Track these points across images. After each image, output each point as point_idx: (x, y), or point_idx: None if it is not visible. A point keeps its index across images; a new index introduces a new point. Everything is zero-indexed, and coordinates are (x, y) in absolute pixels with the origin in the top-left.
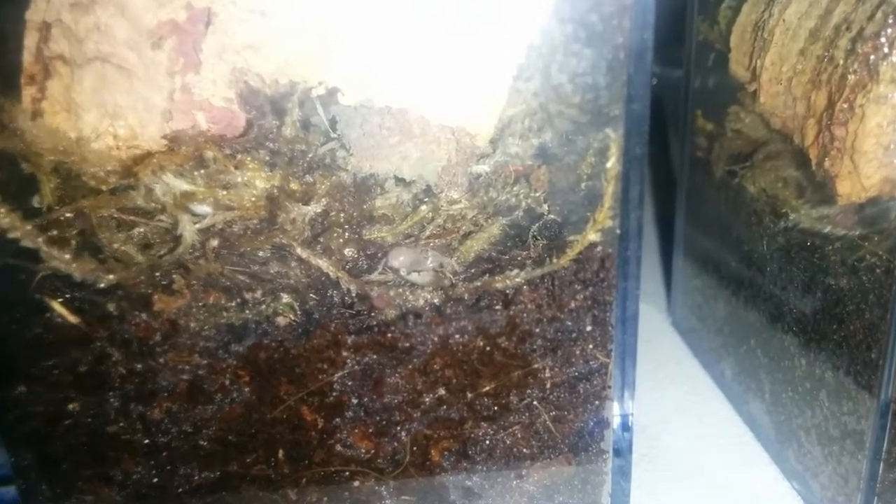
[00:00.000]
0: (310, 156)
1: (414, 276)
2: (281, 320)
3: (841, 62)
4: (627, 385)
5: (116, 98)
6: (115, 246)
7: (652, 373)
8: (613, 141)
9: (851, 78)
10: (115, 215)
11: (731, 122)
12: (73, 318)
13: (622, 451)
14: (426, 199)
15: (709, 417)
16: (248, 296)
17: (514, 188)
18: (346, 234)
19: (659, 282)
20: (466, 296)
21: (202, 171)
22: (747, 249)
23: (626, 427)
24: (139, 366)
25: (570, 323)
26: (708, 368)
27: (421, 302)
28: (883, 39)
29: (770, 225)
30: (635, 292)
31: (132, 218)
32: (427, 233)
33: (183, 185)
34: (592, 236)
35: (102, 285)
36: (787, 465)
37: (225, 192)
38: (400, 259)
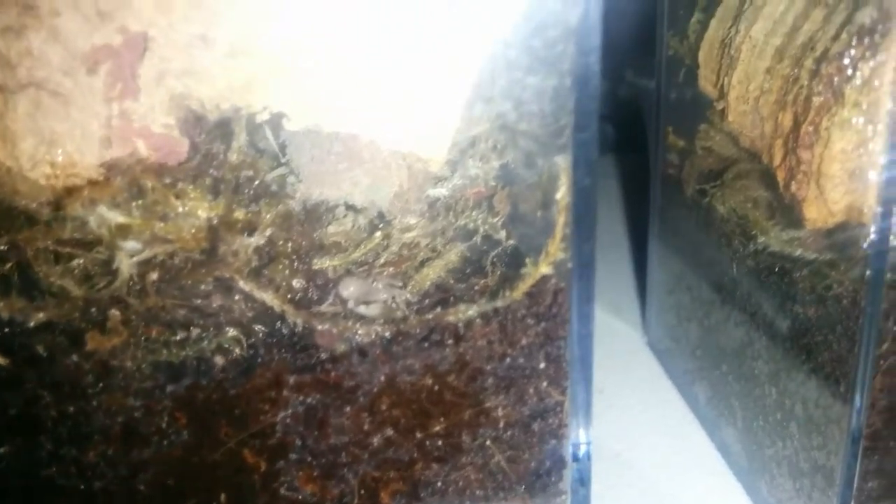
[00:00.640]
0: (256, 182)
1: (362, 309)
2: (219, 360)
3: (806, 83)
4: (585, 412)
5: (53, 125)
6: (52, 279)
7: (626, 395)
8: (563, 170)
9: (816, 100)
10: (52, 248)
11: (700, 139)
12: (0, 360)
13: (584, 481)
14: (380, 226)
15: (682, 443)
16: (189, 332)
17: (473, 213)
18: (295, 264)
19: (634, 300)
20: (417, 329)
21: (139, 202)
22: (718, 271)
23: (587, 455)
24: (72, 408)
25: (522, 360)
26: (682, 392)
27: (371, 336)
28: (847, 61)
29: (740, 247)
30: (588, 328)
31: (69, 250)
32: (382, 260)
33: (118, 218)
34: (545, 269)
35: (32, 324)
36: (760, 496)
37: (163, 224)
38: (350, 290)
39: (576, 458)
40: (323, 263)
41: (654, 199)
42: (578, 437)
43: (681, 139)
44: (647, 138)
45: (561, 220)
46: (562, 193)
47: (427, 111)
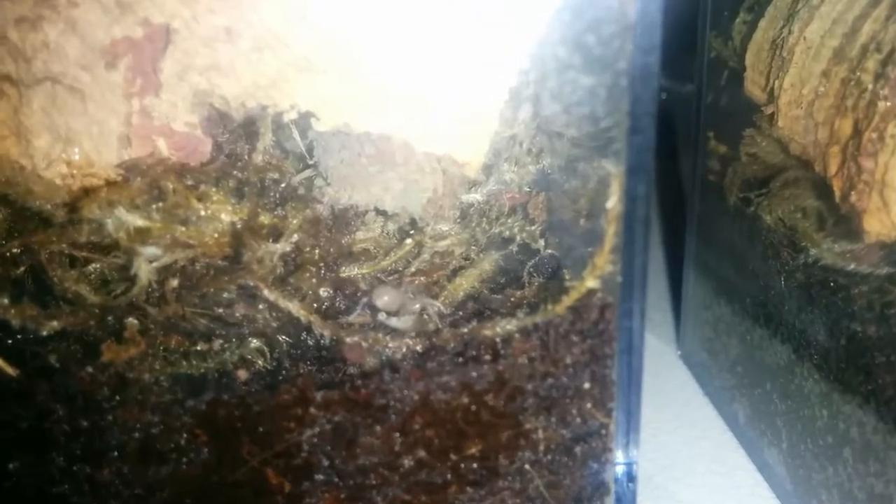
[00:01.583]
0: (283, 185)
1: (394, 321)
2: (241, 373)
3: (869, 86)
4: (632, 431)
5: (69, 121)
6: (67, 285)
7: (659, 412)
8: (614, 177)
9: (882, 105)
10: (67, 251)
11: (746, 145)
12: (11, 371)
13: (626, 503)
14: (411, 232)
15: (720, 465)
16: (210, 342)
17: (508, 220)
18: (322, 271)
19: (667, 310)
20: (452, 344)
21: (159, 205)
22: (763, 284)
23: (630, 477)
24: (85, 423)
25: (565, 379)
26: (720, 409)
27: (402, 350)
28: None
29: (788, 259)
30: (638, 348)
31: (85, 254)
32: (413, 269)
33: (137, 221)
34: (591, 283)
35: (44, 333)
36: None
37: (184, 229)
38: (384, 299)
39: (617, 480)
40: (351, 271)
41: (691, 207)
42: (621, 457)
43: (723, 145)
44: (678, 144)
45: (611, 231)
46: (613, 202)
47: (466, 112)
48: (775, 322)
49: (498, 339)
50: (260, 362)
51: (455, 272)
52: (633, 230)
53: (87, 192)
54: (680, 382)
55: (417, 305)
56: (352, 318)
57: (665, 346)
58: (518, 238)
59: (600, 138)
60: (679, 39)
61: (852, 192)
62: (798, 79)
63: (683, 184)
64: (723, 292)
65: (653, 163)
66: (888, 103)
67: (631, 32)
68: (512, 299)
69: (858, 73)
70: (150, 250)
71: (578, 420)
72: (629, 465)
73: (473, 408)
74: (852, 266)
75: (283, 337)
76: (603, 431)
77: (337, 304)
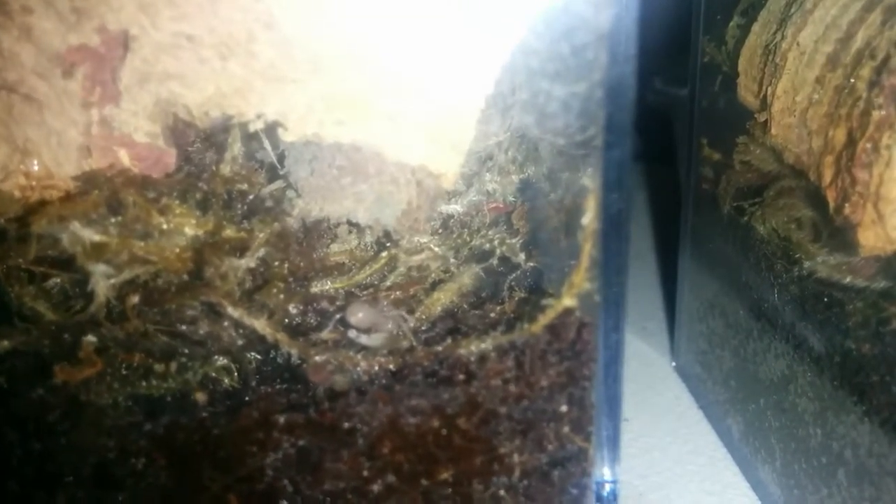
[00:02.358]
0: (251, 197)
1: (364, 339)
2: (202, 396)
3: (863, 95)
4: (612, 449)
5: (26, 132)
6: (25, 300)
7: (653, 426)
8: (590, 193)
9: (876, 114)
10: (24, 266)
11: (739, 153)
12: None
13: None
14: (387, 245)
15: (713, 483)
16: (171, 361)
17: (489, 232)
18: (291, 287)
19: (662, 321)
20: (425, 363)
21: (118, 219)
22: (757, 296)
23: (613, 495)
24: (38, 447)
25: (541, 402)
26: (713, 423)
27: (374, 369)
28: None
29: (782, 271)
30: (616, 369)
31: (43, 269)
32: (388, 283)
33: (93, 236)
34: (568, 301)
35: None
36: None
37: (143, 244)
38: (358, 316)
39: (602, 499)
40: (323, 286)
41: (685, 216)
42: (606, 475)
43: (716, 152)
44: (675, 148)
45: (587, 248)
46: (589, 218)
47: (439, 121)
48: (769, 336)
49: (472, 359)
50: (225, 380)
51: (433, 286)
52: (611, 247)
53: (43, 205)
54: (674, 395)
55: (391, 323)
56: (323, 335)
57: (660, 357)
58: (498, 251)
59: (576, 151)
60: (676, 42)
61: (846, 204)
62: (791, 85)
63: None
64: (717, 304)
65: (630, 179)
66: (883, 112)
67: (605, 42)
68: (491, 315)
69: (853, 81)
70: (107, 268)
71: (556, 444)
72: (613, 482)
73: (445, 431)
74: (847, 279)
75: (250, 355)
76: (581, 456)
77: (307, 320)
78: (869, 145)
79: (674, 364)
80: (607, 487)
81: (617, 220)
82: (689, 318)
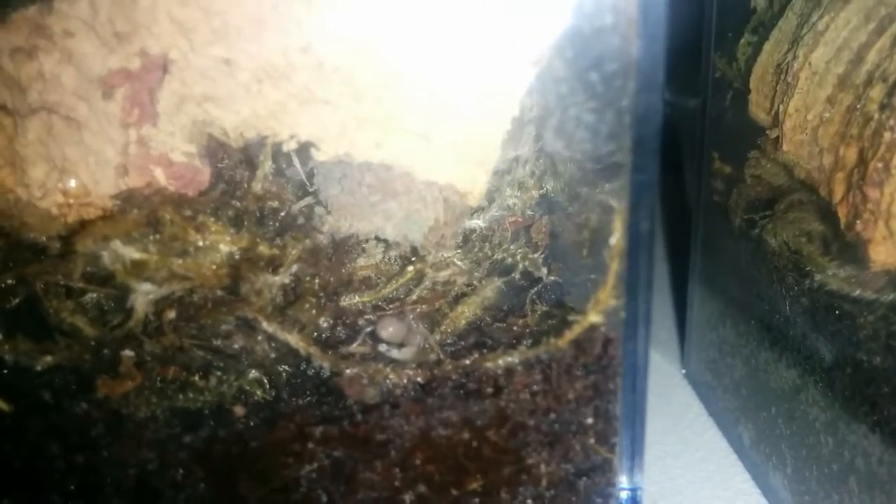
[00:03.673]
0: (282, 214)
1: (394, 353)
2: (239, 409)
3: (875, 116)
4: (636, 456)
5: (65, 151)
6: (64, 316)
7: (663, 434)
8: (617, 213)
9: (888, 135)
10: (63, 282)
11: (750, 167)
12: (3, 406)
13: None
14: (413, 260)
15: (724, 489)
16: (208, 375)
17: (511, 246)
18: (322, 302)
19: (672, 330)
20: (453, 376)
21: (156, 237)
22: (768, 307)
23: (634, 502)
24: (80, 460)
25: (568, 414)
26: (724, 430)
27: (403, 381)
28: None
29: (793, 283)
30: (642, 383)
31: (81, 285)
32: (414, 297)
33: (133, 254)
34: (594, 317)
35: (38, 368)
36: None
37: (181, 261)
38: (389, 331)
39: None
40: (352, 300)
41: (696, 227)
42: (626, 482)
43: (727, 165)
44: (683, 158)
45: (613, 266)
46: (616, 238)
47: (467, 142)
48: (780, 346)
49: (500, 372)
50: (259, 393)
51: (457, 299)
52: (636, 266)
53: (83, 224)
54: (685, 402)
55: (419, 337)
56: (352, 348)
57: (670, 366)
58: (520, 265)
59: (604, 175)
60: (685, 53)
61: (858, 221)
62: (803, 104)
63: (688, 199)
64: (727, 313)
65: (656, 200)
66: (894, 134)
67: (633, 70)
68: (514, 328)
69: (863, 102)
70: (146, 286)
71: (581, 455)
72: (633, 490)
73: (474, 443)
74: (858, 292)
75: (282, 368)
76: (606, 466)
77: (337, 333)
78: (880, 165)
79: (684, 371)
80: (625, 494)
81: (643, 239)
82: (700, 327)
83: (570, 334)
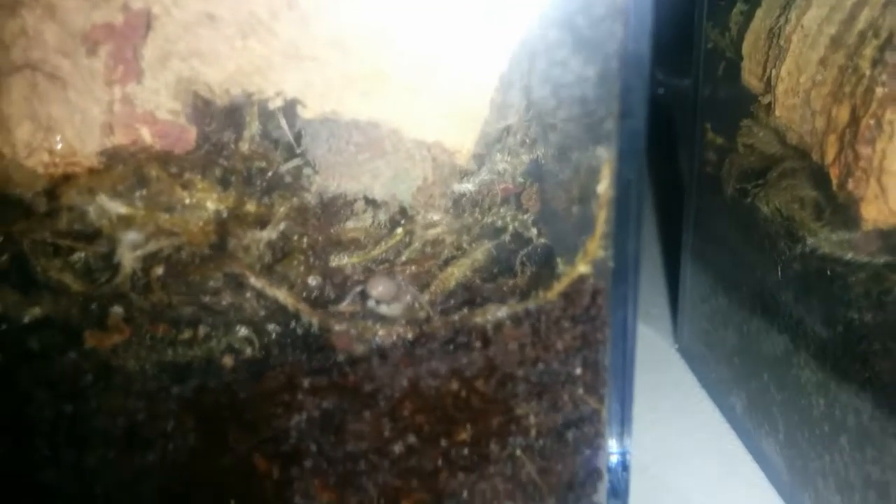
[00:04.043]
0: (269, 174)
1: (384, 309)
2: (228, 360)
3: (867, 73)
4: (625, 420)
5: (50, 110)
6: (51, 273)
7: (656, 404)
8: (605, 161)
9: (879, 91)
10: (50, 240)
11: (742, 136)
12: None
13: (619, 492)
14: (402, 222)
15: (717, 456)
16: (196, 330)
17: (501, 209)
18: (310, 260)
19: (664, 305)
20: (442, 332)
21: (143, 193)
22: (760, 274)
23: (623, 466)
24: (69, 409)
25: (556, 365)
26: (717, 400)
27: (392, 338)
28: None
29: (785, 249)
30: (629, 332)
31: (68, 243)
32: (403, 258)
33: (119, 209)
34: (582, 268)
35: (27, 320)
36: None
37: (168, 216)
38: (379, 290)
39: (617, 468)
40: (341, 261)
41: (689, 200)
42: (615, 446)
43: (720, 136)
44: (677, 138)
45: (602, 216)
46: (604, 187)
47: (455, 97)
48: (772, 312)
49: (489, 326)
50: (248, 350)
51: (447, 262)
52: (625, 215)
53: (68, 179)
54: (677, 376)
55: (409, 295)
56: (342, 306)
57: (662, 340)
58: (510, 227)
59: (592, 122)
60: (677, 34)
61: (850, 180)
62: (795, 67)
63: (681, 179)
64: (720, 284)
65: (644, 148)
66: (886, 89)
67: (622, 15)
68: (504, 288)
69: (856, 60)
70: (133, 237)
71: (570, 406)
72: (623, 454)
73: (464, 393)
74: (850, 255)
75: (272, 325)
76: (595, 417)
77: (326, 293)
78: (872, 121)
79: (676, 346)
80: (615, 458)
81: (631, 187)
82: (692, 300)
83: (558, 286)
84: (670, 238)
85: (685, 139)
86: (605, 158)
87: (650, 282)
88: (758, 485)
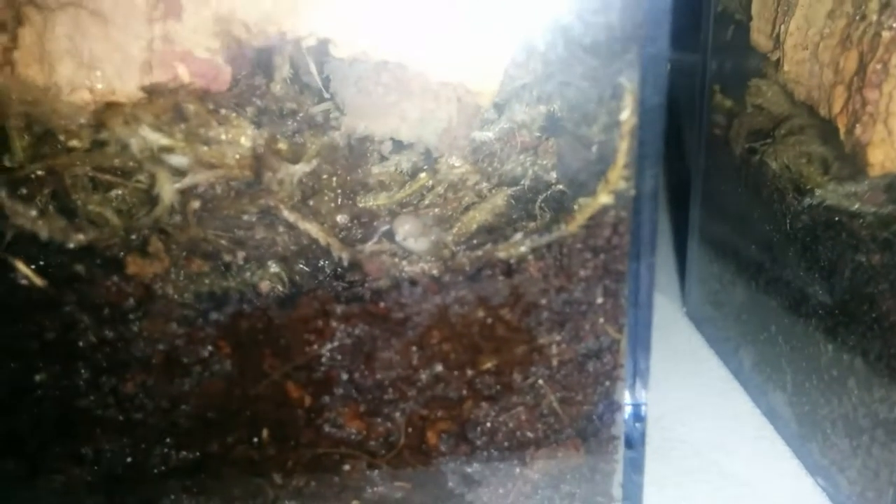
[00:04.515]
0: (300, 115)
1: (411, 243)
2: (264, 286)
3: (874, 18)
4: (640, 372)
5: (92, 47)
6: (91, 208)
7: (665, 365)
8: (628, 90)
9: (886, 35)
10: (90, 174)
11: (751, 96)
12: (39, 281)
13: (634, 443)
14: (425, 166)
15: (726, 410)
16: (231, 262)
17: (520, 156)
18: (339, 199)
19: (672, 273)
20: (468, 267)
21: (182, 126)
22: (768, 230)
23: (638, 417)
24: (111, 334)
25: (578, 294)
26: (725, 359)
27: (418, 271)
28: None
29: (793, 203)
30: (650, 262)
31: (108, 178)
32: (426, 202)
33: (161, 140)
34: (604, 199)
35: (72, 246)
36: (811, 459)
37: (206, 149)
38: (405, 228)
39: (638, 419)
40: (367, 202)
41: (696, 164)
42: (629, 398)
43: (728, 98)
44: (679, 113)
45: (624, 146)
46: (626, 115)
47: (479, 38)
48: (780, 266)
49: (512, 261)
50: (279, 287)
51: (468, 208)
52: (646, 143)
53: (111, 108)
54: (686, 338)
55: (434, 234)
56: (369, 245)
57: (671, 305)
58: (530, 172)
59: (616, 48)
60: (682, 10)
61: (857, 126)
62: (804, 21)
63: (686, 160)
64: (728, 245)
65: (667, 74)
66: (893, 33)
67: None
68: (524, 228)
69: (863, 7)
70: (176, 161)
71: (591, 335)
72: (637, 405)
73: (489, 322)
74: (856, 206)
75: (302, 261)
76: (614, 348)
77: (354, 232)
78: (879, 66)
79: (685, 310)
80: (632, 410)
81: (655, 114)
82: (700, 264)
83: (580, 217)
84: (675, 213)
85: (692, 107)
86: (627, 87)
87: (658, 252)
88: (766, 437)
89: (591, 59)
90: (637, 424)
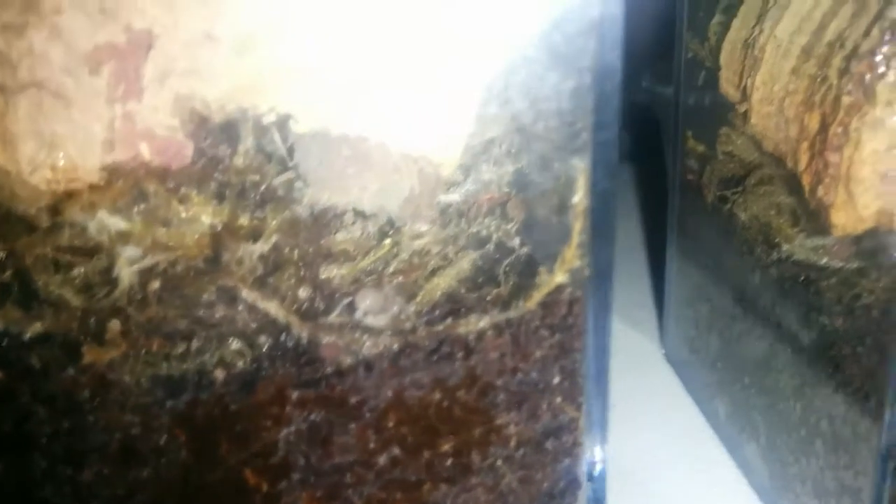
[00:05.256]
0: (262, 187)
1: (370, 320)
2: (220, 373)
3: (835, 82)
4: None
5: (54, 127)
6: (52, 288)
7: (642, 410)
8: (581, 172)
9: (846, 99)
10: (52, 255)
11: (721, 144)
12: None
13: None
14: (390, 233)
15: (700, 461)
16: (190, 344)
17: (486, 219)
18: (301, 272)
19: (651, 309)
20: (427, 342)
21: (141, 207)
22: (740, 280)
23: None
24: (67, 424)
25: (535, 374)
26: (701, 406)
27: (379, 348)
28: (879, 58)
29: (762, 255)
30: (605, 340)
31: (69, 258)
32: (391, 269)
33: (119, 224)
34: (560, 277)
35: (28, 336)
36: None
37: (165, 230)
38: (367, 302)
39: (591, 478)
40: (330, 272)
41: (672, 207)
42: (594, 455)
43: (700, 144)
44: (663, 146)
45: (577, 226)
46: (579, 197)
47: (439, 112)
48: (751, 317)
49: (471, 337)
50: (240, 364)
51: (433, 272)
52: (598, 225)
53: (70, 195)
54: (664, 381)
55: (396, 306)
56: (330, 318)
57: (649, 345)
58: (494, 237)
59: (567, 135)
60: (663, 44)
61: (820, 187)
62: (769, 76)
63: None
64: (703, 290)
65: (617, 158)
66: (852, 98)
67: (595, 30)
68: (488, 298)
69: (825, 70)
70: (131, 251)
71: (549, 414)
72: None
73: (446, 404)
74: (824, 261)
75: (262, 338)
76: (573, 425)
77: (316, 304)
78: (840, 129)
79: (663, 352)
80: (598, 467)
81: (605, 198)
82: (677, 306)
83: (537, 295)
84: (657, 244)
85: (669, 145)
86: (579, 169)
87: (638, 287)
88: (740, 490)
89: (548, 141)
90: (601, 482)
